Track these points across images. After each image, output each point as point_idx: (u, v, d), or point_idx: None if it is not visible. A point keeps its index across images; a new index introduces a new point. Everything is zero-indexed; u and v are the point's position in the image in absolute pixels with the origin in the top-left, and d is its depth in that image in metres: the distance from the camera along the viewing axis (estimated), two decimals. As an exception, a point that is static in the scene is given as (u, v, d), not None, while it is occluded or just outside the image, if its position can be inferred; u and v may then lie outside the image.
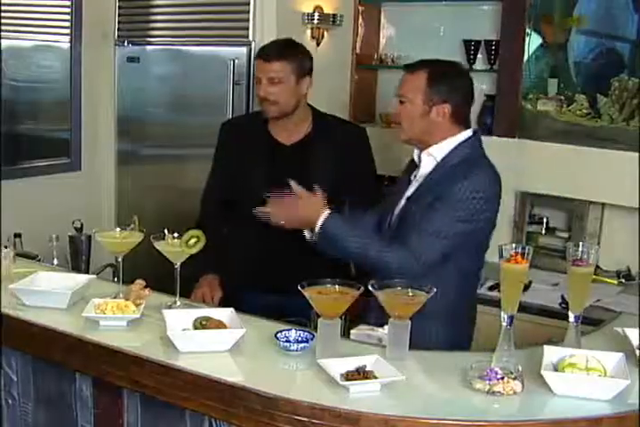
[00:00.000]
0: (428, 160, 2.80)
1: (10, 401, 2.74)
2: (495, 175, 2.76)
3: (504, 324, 2.16)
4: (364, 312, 2.76)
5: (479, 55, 4.57)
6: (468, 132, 2.80)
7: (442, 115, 2.75)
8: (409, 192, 2.84)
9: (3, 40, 5.01)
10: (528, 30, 4.25)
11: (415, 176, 2.85)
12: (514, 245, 2.19)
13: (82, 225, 3.60)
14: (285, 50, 3.29)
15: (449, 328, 2.79)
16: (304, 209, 2.80)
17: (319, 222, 2.74)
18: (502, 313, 2.17)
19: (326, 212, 2.76)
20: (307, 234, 2.85)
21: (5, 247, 2.91)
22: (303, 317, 2.65)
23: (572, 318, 2.31)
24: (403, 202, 2.84)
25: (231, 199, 3.45)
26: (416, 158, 2.88)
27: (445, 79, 2.76)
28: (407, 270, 2.62)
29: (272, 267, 3.36)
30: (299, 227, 2.86)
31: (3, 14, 5.02)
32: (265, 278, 3.37)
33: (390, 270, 2.62)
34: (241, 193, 3.41)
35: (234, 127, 3.59)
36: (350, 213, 3.00)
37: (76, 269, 3.39)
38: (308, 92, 3.35)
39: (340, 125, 3.46)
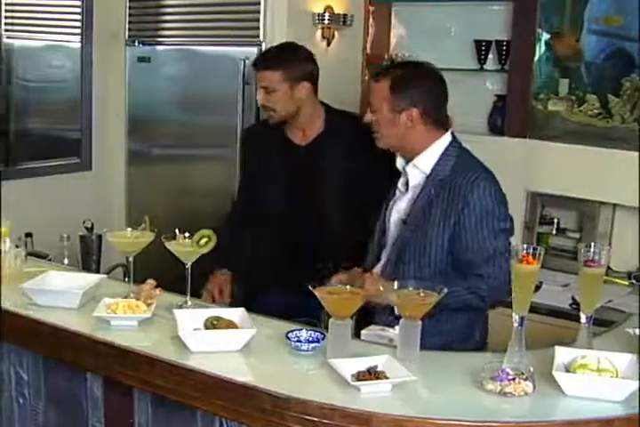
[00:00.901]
0: (415, 172, 2.80)
1: (21, 400, 2.75)
2: (492, 175, 2.76)
3: (515, 324, 2.16)
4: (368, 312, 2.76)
5: (490, 55, 4.55)
6: (447, 137, 2.79)
7: (410, 120, 2.74)
8: (401, 209, 2.84)
9: (14, 40, 5.03)
10: (539, 30, 4.24)
11: (407, 187, 2.84)
12: (525, 245, 2.19)
13: (92, 225, 3.60)
14: (275, 58, 3.30)
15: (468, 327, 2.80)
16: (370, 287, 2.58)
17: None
18: (513, 314, 2.16)
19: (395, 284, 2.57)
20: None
21: (17, 247, 2.92)
22: (314, 317, 2.65)
23: (583, 318, 2.30)
24: (398, 221, 2.84)
25: (251, 200, 3.48)
26: (400, 168, 2.88)
27: (408, 84, 2.75)
28: (500, 296, 2.66)
29: (288, 267, 3.37)
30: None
31: (14, 14, 5.05)
32: (280, 279, 3.38)
33: (487, 302, 2.71)
34: (259, 194, 3.44)
35: (253, 132, 3.64)
36: None
37: (87, 268, 3.40)
38: (317, 93, 3.35)
39: (353, 122, 3.43)
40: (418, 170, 2.78)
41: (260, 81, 3.29)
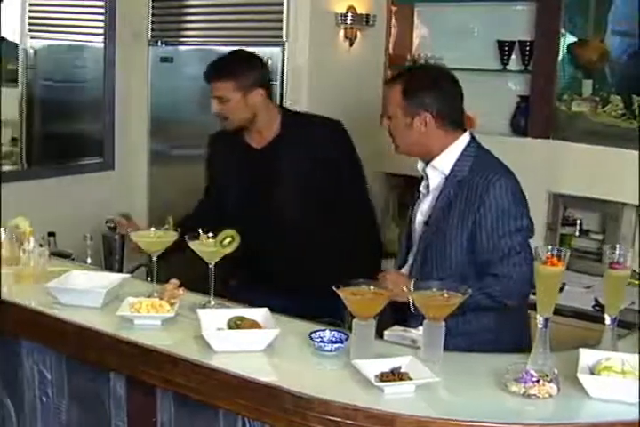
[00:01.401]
0: (435, 174, 2.81)
1: (44, 399, 2.76)
2: (512, 174, 2.76)
3: (540, 326, 2.15)
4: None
5: (513, 56, 4.54)
6: (465, 138, 2.80)
7: (424, 124, 2.75)
8: (424, 211, 2.85)
9: (37, 40, 5.06)
10: (562, 31, 4.22)
11: (428, 189, 2.85)
12: (550, 247, 2.18)
13: (115, 224, 3.61)
14: (226, 68, 3.32)
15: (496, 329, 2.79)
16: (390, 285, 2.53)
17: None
18: (538, 315, 2.16)
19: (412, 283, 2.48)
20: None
21: (40, 246, 2.93)
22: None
23: (608, 320, 2.29)
24: (421, 223, 2.85)
25: (214, 202, 3.53)
26: (420, 170, 2.89)
27: (419, 89, 2.76)
28: (516, 296, 2.68)
29: (250, 267, 3.41)
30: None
31: (37, 15, 5.08)
32: (247, 279, 3.44)
33: (501, 303, 2.68)
34: (221, 197, 3.49)
35: (216, 138, 3.63)
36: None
37: (109, 268, 3.41)
38: (271, 97, 3.41)
39: (310, 123, 3.46)
40: (437, 171, 2.79)
41: (213, 91, 3.32)
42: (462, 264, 2.72)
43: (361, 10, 4.59)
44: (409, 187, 4.72)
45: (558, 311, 3.23)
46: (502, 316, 2.76)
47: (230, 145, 3.47)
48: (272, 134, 3.39)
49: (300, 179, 3.34)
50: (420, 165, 2.88)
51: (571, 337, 3.15)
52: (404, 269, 2.87)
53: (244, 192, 3.41)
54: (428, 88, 2.77)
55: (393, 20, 4.87)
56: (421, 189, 2.90)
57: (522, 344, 2.77)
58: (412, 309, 2.42)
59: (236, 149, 3.45)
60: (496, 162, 2.79)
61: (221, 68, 3.33)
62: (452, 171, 2.76)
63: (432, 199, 2.82)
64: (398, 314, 2.67)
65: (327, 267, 3.15)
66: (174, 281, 2.62)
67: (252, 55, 3.45)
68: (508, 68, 4.56)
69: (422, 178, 2.91)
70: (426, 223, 2.81)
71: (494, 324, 2.76)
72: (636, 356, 2.14)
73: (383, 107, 4.75)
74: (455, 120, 2.80)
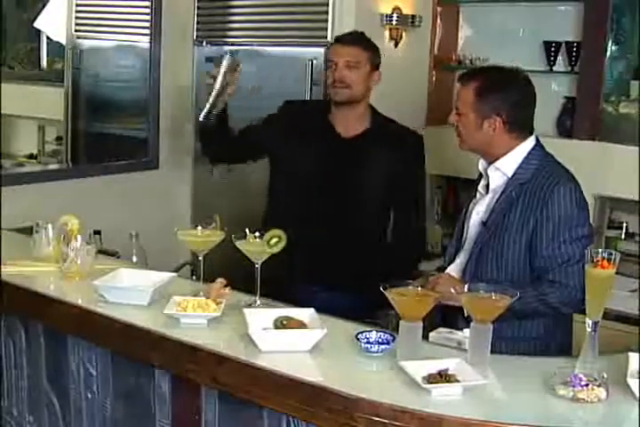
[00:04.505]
0: (496, 175, 2.79)
1: (89, 396, 2.78)
2: (575, 180, 2.74)
3: (589, 329, 2.13)
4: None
5: (559, 57, 4.51)
6: (531, 142, 2.78)
7: (493, 128, 2.73)
8: (480, 211, 2.83)
9: (84, 40, 5.10)
10: (610, 32, 4.18)
11: (487, 189, 2.84)
12: (600, 250, 2.16)
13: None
14: (365, 39, 3.37)
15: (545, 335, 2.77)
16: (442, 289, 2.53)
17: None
18: (587, 319, 2.13)
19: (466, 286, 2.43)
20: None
21: (88, 244, 2.95)
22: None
23: (657, 324, 2.27)
24: (478, 223, 2.83)
25: (278, 186, 3.52)
26: (481, 169, 2.87)
27: (494, 91, 2.73)
28: (573, 305, 2.64)
29: (300, 262, 3.35)
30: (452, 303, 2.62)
31: (85, 15, 5.12)
32: (292, 274, 3.38)
33: (558, 310, 2.68)
34: (290, 179, 3.45)
35: (297, 109, 3.61)
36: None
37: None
38: (374, 89, 3.40)
39: (398, 128, 3.48)
40: (500, 172, 2.78)
41: (344, 56, 3.31)
42: (519, 266, 2.70)
43: (406, 10, 4.59)
44: (452, 188, 4.75)
45: (602, 315, 3.23)
46: (552, 323, 2.74)
47: (313, 123, 3.45)
48: (362, 127, 3.40)
49: (378, 177, 3.35)
50: (481, 164, 2.87)
51: (614, 341, 3.12)
52: (453, 269, 2.86)
53: (319, 175, 3.38)
54: (501, 91, 2.75)
55: (438, 21, 4.87)
56: (479, 188, 2.89)
57: (567, 351, 2.76)
58: (466, 312, 2.41)
59: (320, 130, 3.42)
60: (560, 167, 2.77)
61: (361, 38, 3.38)
62: (514, 173, 2.74)
63: (491, 200, 2.81)
64: (448, 317, 2.67)
65: (368, 265, 3.23)
66: (221, 280, 2.62)
67: None
68: (554, 68, 4.53)
69: (480, 177, 2.90)
70: (483, 224, 2.79)
71: (543, 331, 2.74)
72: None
73: (428, 102, 4.77)
74: (524, 125, 2.78)
